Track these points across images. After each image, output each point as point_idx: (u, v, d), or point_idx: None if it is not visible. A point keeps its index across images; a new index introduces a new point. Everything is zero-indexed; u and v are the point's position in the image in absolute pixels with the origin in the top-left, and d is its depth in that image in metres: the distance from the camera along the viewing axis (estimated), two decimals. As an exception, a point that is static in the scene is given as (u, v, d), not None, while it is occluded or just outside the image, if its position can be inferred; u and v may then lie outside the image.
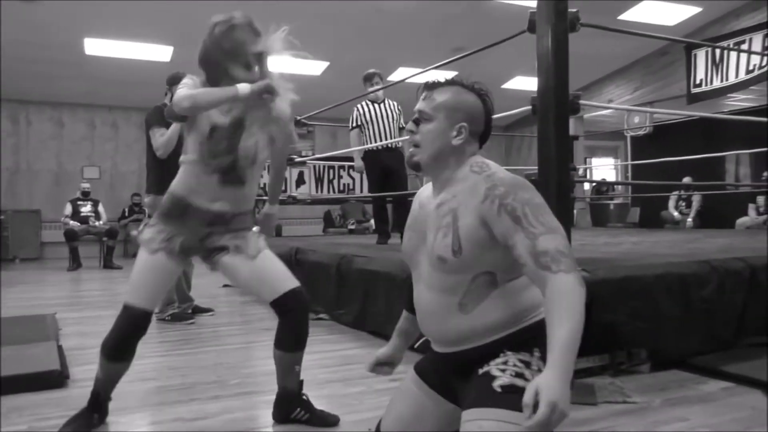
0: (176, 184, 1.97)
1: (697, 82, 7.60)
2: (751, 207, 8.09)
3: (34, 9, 6.47)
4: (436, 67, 3.69)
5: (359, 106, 4.88)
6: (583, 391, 2.25)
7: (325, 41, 7.66)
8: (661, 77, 8.75)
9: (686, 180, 8.00)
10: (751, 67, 6.96)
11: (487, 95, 1.37)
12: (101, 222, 8.37)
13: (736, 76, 7.14)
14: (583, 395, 2.21)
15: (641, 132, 9.90)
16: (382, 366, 1.55)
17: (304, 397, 2.06)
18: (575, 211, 8.52)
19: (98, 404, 2.00)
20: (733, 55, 7.09)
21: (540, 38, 2.38)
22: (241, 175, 1.94)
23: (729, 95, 7.74)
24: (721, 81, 7.32)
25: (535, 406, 0.99)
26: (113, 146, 10.19)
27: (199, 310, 4.19)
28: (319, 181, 11.44)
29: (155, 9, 6.64)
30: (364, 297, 3.48)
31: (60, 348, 2.94)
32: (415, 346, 1.55)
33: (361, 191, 10.95)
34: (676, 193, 8.98)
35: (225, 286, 5.66)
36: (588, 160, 12.30)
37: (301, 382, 2.06)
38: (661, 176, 8.62)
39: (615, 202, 11.27)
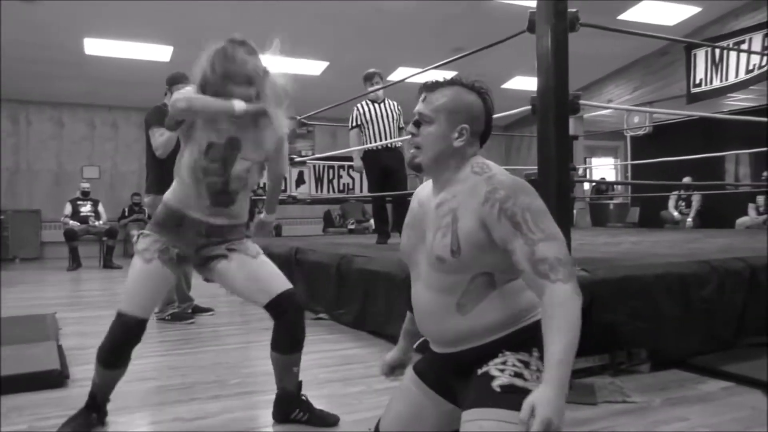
0: (171, 197, 1.97)
1: (697, 81, 7.60)
2: (751, 207, 8.09)
3: (34, 9, 6.47)
4: (436, 67, 3.69)
5: (359, 105, 4.87)
6: (583, 391, 2.25)
7: (325, 41, 7.67)
8: (661, 77, 8.75)
9: (686, 180, 8.00)
10: (750, 67, 6.96)
11: (488, 94, 1.36)
12: (101, 222, 8.37)
13: (736, 75, 7.13)
14: (583, 395, 2.21)
15: (641, 132, 9.90)
16: (396, 369, 1.56)
17: (303, 397, 2.06)
18: (575, 211, 8.51)
19: (96, 405, 2.00)
20: (733, 55, 7.08)
21: (540, 38, 2.38)
22: (233, 197, 1.96)
23: (729, 95, 7.74)
24: (721, 81, 7.32)
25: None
26: (113, 146, 10.19)
27: (199, 310, 4.19)
28: (318, 180, 11.44)
29: (155, 9, 6.64)
30: (364, 297, 3.48)
31: (60, 348, 2.94)
32: (414, 346, 1.56)
33: (361, 191, 10.95)
34: (676, 193, 8.98)
35: (225, 286, 5.66)
36: (588, 160, 12.29)
37: (300, 383, 2.06)
38: (660, 176, 8.62)
39: (615, 202, 11.26)
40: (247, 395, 2.36)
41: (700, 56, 7.58)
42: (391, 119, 4.80)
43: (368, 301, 3.43)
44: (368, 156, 4.81)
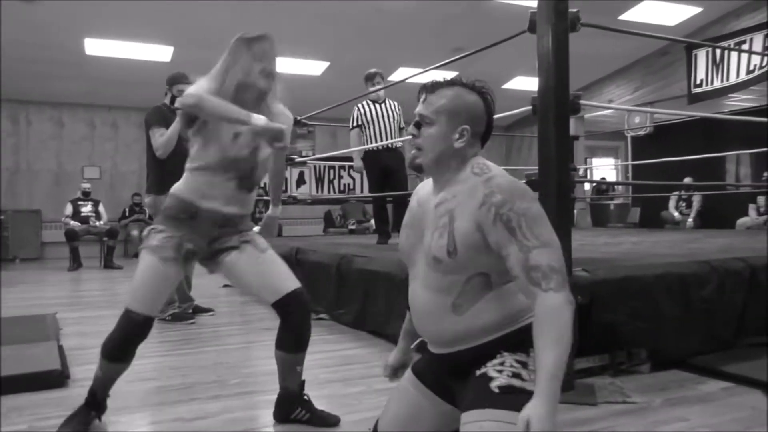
0: (183, 189, 1.96)
1: (698, 82, 7.59)
2: (751, 207, 8.08)
3: (34, 9, 6.48)
4: (436, 67, 3.69)
5: (360, 105, 4.87)
6: (583, 391, 2.25)
7: (325, 41, 7.67)
8: (662, 77, 8.75)
9: (687, 180, 8.00)
10: (751, 67, 6.96)
11: (489, 94, 1.36)
12: (102, 222, 8.37)
13: (737, 76, 7.13)
14: (583, 395, 2.21)
15: (642, 132, 9.90)
16: (398, 371, 1.57)
17: (306, 397, 2.06)
18: (575, 212, 8.52)
19: (96, 402, 2.00)
20: (734, 55, 7.08)
21: (540, 38, 2.38)
22: (256, 181, 2.01)
23: (729, 95, 7.74)
24: (722, 81, 7.31)
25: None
26: (113, 146, 10.19)
27: (199, 310, 4.19)
28: (319, 181, 11.44)
29: (155, 9, 6.64)
30: (364, 297, 3.48)
31: (60, 348, 2.94)
32: (412, 346, 1.56)
33: (362, 191, 10.95)
34: (677, 193, 8.98)
35: (225, 286, 5.66)
36: (588, 160, 12.29)
37: (303, 382, 2.06)
38: (661, 176, 8.62)
39: (615, 202, 11.26)
40: (247, 395, 2.36)
41: (701, 56, 7.58)
42: (391, 119, 4.80)
43: (368, 301, 3.43)
44: (369, 156, 4.81)
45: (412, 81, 4.02)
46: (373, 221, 6.65)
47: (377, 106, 4.81)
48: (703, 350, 2.67)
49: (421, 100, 1.35)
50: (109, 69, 8.21)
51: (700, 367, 2.56)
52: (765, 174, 7.82)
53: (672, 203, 9.07)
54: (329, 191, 11.46)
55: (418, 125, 1.34)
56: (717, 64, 7.37)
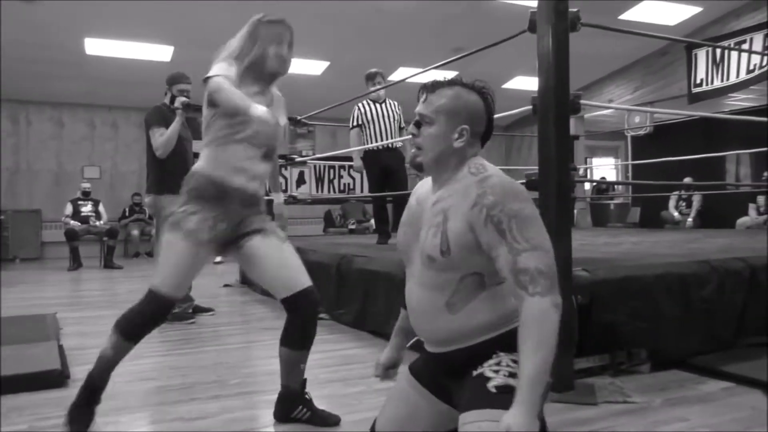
0: (210, 166, 1.94)
1: (698, 81, 7.59)
2: (751, 207, 8.09)
3: (34, 9, 6.48)
4: (436, 67, 3.69)
5: (360, 105, 4.87)
6: (583, 391, 2.25)
7: (325, 41, 7.67)
8: (662, 77, 8.75)
9: (687, 180, 7.99)
10: (751, 67, 6.95)
11: (489, 94, 1.36)
12: (102, 222, 8.37)
13: (737, 75, 7.13)
14: (583, 395, 2.21)
15: (642, 132, 9.89)
16: (390, 370, 1.56)
17: (307, 396, 2.06)
18: (575, 212, 8.51)
19: (95, 389, 1.93)
20: (734, 54, 7.08)
21: (540, 38, 2.38)
22: (275, 154, 2.07)
23: (729, 95, 7.73)
24: (722, 81, 7.31)
25: None
26: (113, 146, 10.19)
27: (199, 310, 4.19)
28: (319, 181, 11.44)
29: (155, 9, 6.64)
30: (364, 297, 3.48)
31: (60, 348, 2.93)
32: (407, 345, 1.56)
33: (362, 191, 10.94)
34: (677, 193, 8.98)
35: (225, 285, 5.66)
36: (588, 160, 12.29)
37: (305, 380, 2.06)
38: (661, 176, 8.62)
39: (615, 202, 11.26)
40: (247, 395, 2.36)
41: (701, 56, 7.57)
42: (391, 119, 4.80)
43: (368, 301, 3.43)
44: (368, 156, 4.81)
45: (412, 81, 4.02)
46: (373, 221, 6.66)
47: (377, 105, 4.81)
48: (703, 350, 2.67)
49: (422, 99, 1.36)
50: (109, 69, 8.21)
51: (700, 367, 2.56)
52: (765, 174, 7.82)
53: (672, 203, 9.07)
54: (329, 191, 11.46)
55: (418, 124, 1.34)
56: (717, 64, 7.37)
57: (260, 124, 1.86)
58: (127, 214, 9.66)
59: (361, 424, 1.94)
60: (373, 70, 4.84)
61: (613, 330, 2.48)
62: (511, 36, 2.91)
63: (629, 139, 10.68)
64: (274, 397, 2.07)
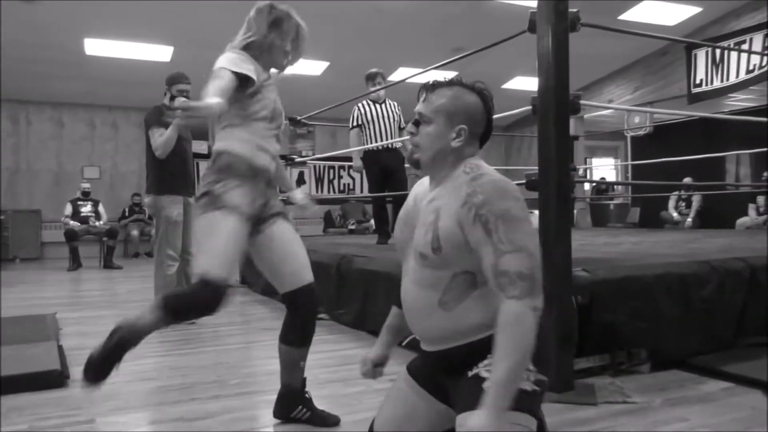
0: (238, 145, 1.89)
1: (698, 82, 7.59)
2: (751, 207, 8.08)
3: (34, 9, 6.48)
4: (436, 67, 3.69)
5: (360, 105, 4.87)
6: (583, 391, 2.25)
7: (325, 41, 7.66)
8: (662, 77, 8.75)
9: (686, 180, 7.99)
10: (751, 67, 6.95)
11: (488, 94, 1.36)
12: (101, 222, 8.38)
13: (737, 76, 7.13)
14: (583, 395, 2.21)
15: (641, 132, 9.89)
16: (378, 368, 1.56)
17: (307, 395, 2.06)
18: (575, 212, 8.51)
19: (122, 351, 1.73)
20: (734, 55, 7.08)
21: (540, 38, 2.38)
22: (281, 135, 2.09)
23: (729, 95, 7.73)
24: (722, 81, 7.31)
25: None
26: (113, 146, 10.20)
27: (199, 310, 4.18)
28: (319, 181, 11.44)
29: (155, 9, 6.64)
30: (364, 297, 3.48)
31: (60, 348, 2.94)
32: (403, 343, 1.56)
33: (361, 191, 10.94)
34: (676, 193, 8.98)
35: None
36: (588, 160, 12.29)
37: (304, 379, 2.06)
38: (661, 176, 8.62)
39: (615, 202, 11.26)
40: (247, 395, 2.36)
41: (701, 56, 7.57)
42: (391, 119, 4.80)
43: (368, 301, 3.43)
44: (368, 156, 4.81)
45: (412, 81, 4.02)
46: (372, 221, 6.66)
47: (377, 106, 4.81)
48: (703, 350, 2.67)
49: (421, 98, 1.36)
50: (109, 69, 8.21)
51: (700, 367, 2.56)
52: (765, 174, 7.82)
53: (672, 203, 9.07)
54: (329, 191, 11.45)
55: (417, 123, 1.35)
56: (717, 64, 7.37)
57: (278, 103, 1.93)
58: (126, 214, 9.67)
59: (361, 424, 1.94)
60: (374, 70, 4.84)
61: (613, 330, 2.48)
62: (511, 36, 2.91)
63: (629, 140, 10.68)
64: (274, 396, 2.07)
